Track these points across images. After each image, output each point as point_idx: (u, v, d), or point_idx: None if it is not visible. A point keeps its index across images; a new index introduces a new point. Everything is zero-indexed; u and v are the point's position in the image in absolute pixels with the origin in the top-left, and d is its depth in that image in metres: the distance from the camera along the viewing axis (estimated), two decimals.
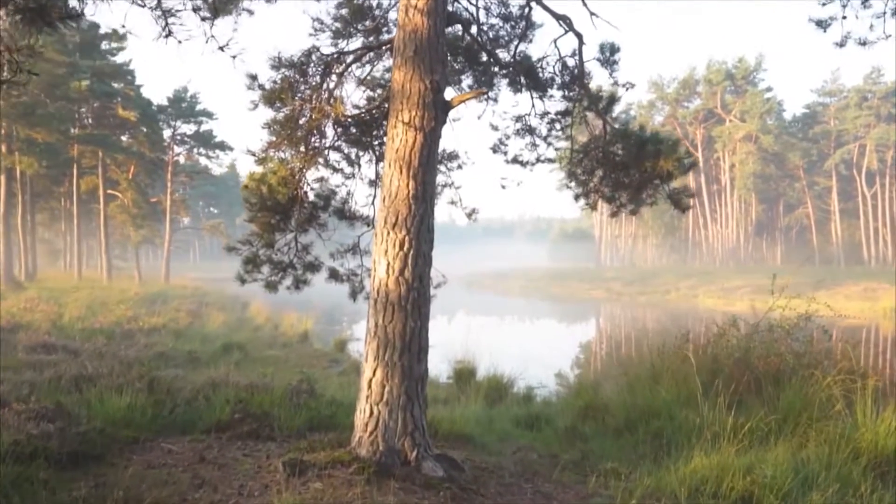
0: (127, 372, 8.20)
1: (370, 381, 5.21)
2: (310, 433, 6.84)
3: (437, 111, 5.36)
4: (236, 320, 24.80)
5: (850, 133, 72.26)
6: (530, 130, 7.89)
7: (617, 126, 7.00)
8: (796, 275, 52.87)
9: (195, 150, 49.63)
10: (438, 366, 14.33)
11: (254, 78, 6.02)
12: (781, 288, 8.98)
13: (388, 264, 5.19)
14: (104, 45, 37.95)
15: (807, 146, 74.68)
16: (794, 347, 9.07)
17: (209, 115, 45.96)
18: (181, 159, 52.62)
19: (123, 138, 41.26)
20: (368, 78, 7.65)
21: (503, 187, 7.97)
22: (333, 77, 6.30)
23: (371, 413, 5.17)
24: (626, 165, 7.17)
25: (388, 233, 5.23)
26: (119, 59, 39.29)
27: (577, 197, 8.05)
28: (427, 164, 5.31)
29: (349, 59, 6.46)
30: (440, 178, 7.62)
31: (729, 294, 48.28)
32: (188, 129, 45.88)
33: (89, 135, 36.03)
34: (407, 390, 5.15)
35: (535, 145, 7.93)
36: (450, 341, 15.00)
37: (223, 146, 46.66)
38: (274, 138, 6.22)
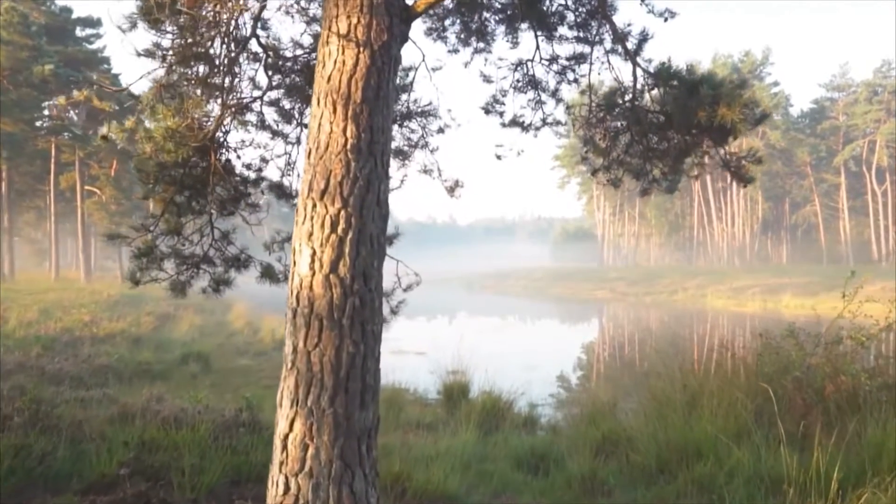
0: (15, 398, 6.32)
1: (285, 438, 3.32)
2: (231, 490, 4.98)
3: (392, 18, 3.48)
4: (214, 324, 22.94)
5: (860, 128, 70.37)
6: (534, 83, 6.00)
7: (653, 70, 5.10)
8: (810, 275, 51.07)
9: None
10: (426, 379, 12.46)
11: None
12: (855, 289, 7.07)
13: (314, 255, 3.31)
14: (80, 33, 35.92)
15: (815, 142, 72.77)
16: (866, 364, 7.24)
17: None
18: None
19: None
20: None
21: (498, 157, 6.09)
22: None
23: (286, 489, 3.28)
24: (664, 125, 5.29)
25: (314, 205, 3.34)
26: (94, 47, 37.26)
27: (594, 172, 6.16)
28: (376, 101, 3.42)
29: None
30: (407, 134, 5.72)
31: (739, 294, 46.40)
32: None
33: (60, 126, 33.94)
34: (343, 453, 3.26)
35: (539, 102, 6.03)
36: (443, 348, 13.04)
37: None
38: (162, 74, 4.34)
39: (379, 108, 3.43)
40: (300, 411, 3.27)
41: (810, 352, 7.29)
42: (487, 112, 6.19)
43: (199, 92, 4.47)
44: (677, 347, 18.40)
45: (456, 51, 6.53)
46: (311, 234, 3.33)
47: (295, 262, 3.38)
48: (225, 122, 4.91)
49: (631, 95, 5.42)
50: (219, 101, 4.85)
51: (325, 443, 3.25)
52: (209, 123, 4.26)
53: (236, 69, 4.79)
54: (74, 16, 35.75)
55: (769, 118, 5.01)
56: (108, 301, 24.67)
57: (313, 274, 3.30)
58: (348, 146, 3.34)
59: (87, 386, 9.26)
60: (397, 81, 5.97)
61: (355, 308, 3.29)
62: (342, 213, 3.30)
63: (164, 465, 4.94)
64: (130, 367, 11.83)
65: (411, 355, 19.63)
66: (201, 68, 4.47)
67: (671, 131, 5.37)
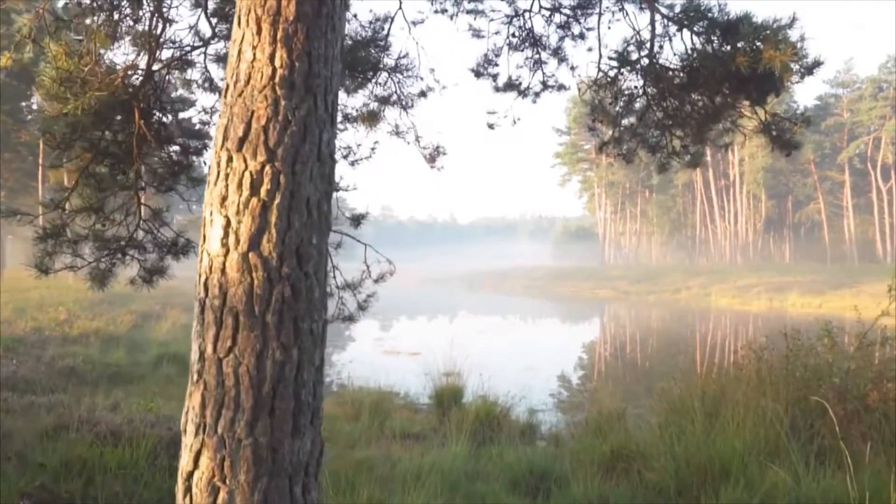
0: None
1: (189, 477, 2.43)
2: None
3: None
4: None
5: (864, 125, 69.45)
6: (532, 38, 5.10)
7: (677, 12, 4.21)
8: (815, 273, 50.13)
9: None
10: (419, 382, 11.57)
11: None
12: None
13: (228, 226, 2.42)
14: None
15: (819, 139, 71.71)
16: None
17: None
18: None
19: None
20: None
21: (491, 127, 5.19)
22: None
23: None
24: (688, 85, 4.40)
25: (230, 159, 2.45)
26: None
27: (603, 145, 5.28)
28: (317, 20, 2.53)
29: None
30: (376, 91, 4.81)
31: (744, 293, 45.54)
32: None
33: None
34: (267, 499, 2.37)
35: (539, 62, 5.13)
36: (440, 349, 12.15)
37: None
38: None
39: (320, 30, 2.54)
40: (208, 441, 2.38)
41: (848, 355, 6.43)
42: (478, 74, 5.30)
43: (102, 27, 3.59)
44: (687, 348, 17.55)
45: (444, 10, 5.65)
46: (224, 199, 2.43)
47: (204, 237, 2.49)
48: (156, 77, 4.02)
49: (648, 49, 4.52)
50: (147, 49, 3.96)
51: (243, 484, 2.35)
52: (120, 67, 3.38)
53: (166, 11, 3.89)
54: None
55: (821, 65, 4.09)
56: (92, 299, 23.69)
57: (227, 252, 2.41)
58: (276, 78, 2.45)
59: (38, 391, 8.37)
60: (368, 35, 5.08)
61: (285, 299, 2.40)
62: (267, 168, 2.41)
63: (78, 492, 4.06)
64: (97, 370, 10.96)
65: (405, 356, 18.79)
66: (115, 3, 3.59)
67: (696, 92, 4.48)
